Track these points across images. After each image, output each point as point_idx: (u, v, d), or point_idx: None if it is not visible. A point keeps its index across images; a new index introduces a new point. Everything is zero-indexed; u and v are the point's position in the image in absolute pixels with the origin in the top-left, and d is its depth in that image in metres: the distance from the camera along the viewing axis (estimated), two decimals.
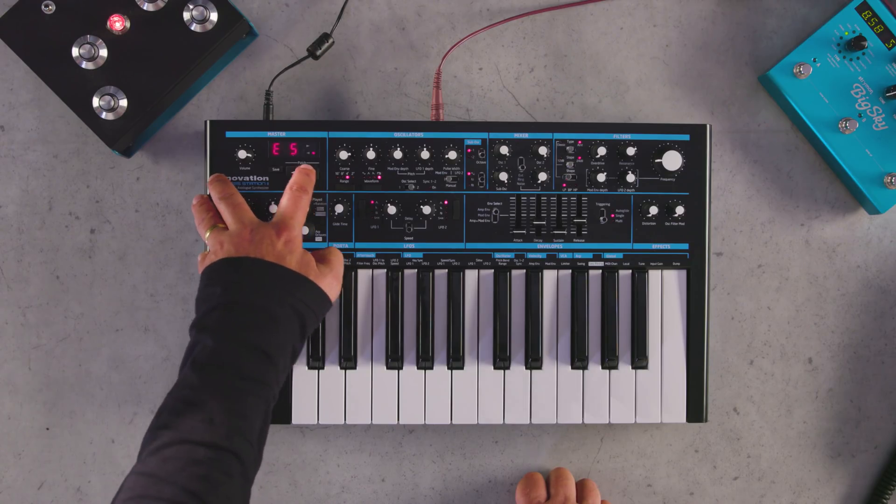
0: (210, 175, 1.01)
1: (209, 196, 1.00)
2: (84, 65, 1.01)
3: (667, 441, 1.09)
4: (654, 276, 1.04)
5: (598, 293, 1.04)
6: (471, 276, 1.03)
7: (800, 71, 1.06)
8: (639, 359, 1.03)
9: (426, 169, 1.02)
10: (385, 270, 1.03)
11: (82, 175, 1.08)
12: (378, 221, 1.02)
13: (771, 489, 1.10)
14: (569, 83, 1.09)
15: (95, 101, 1.02)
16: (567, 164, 1.03)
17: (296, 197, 0.98)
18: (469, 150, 1.03)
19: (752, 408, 1.10)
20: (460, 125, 1.03)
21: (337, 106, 1.08)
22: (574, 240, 1.03)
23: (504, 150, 1.02)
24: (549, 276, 1.04)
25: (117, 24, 1.01)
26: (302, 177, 0.99)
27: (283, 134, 1.02)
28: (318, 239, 1.02)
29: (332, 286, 0.96)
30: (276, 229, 0.95)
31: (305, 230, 1.01)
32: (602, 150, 1.02)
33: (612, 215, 1.03)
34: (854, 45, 1.05)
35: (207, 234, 0.97)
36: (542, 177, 1.02)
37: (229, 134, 1.02)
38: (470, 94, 1.09)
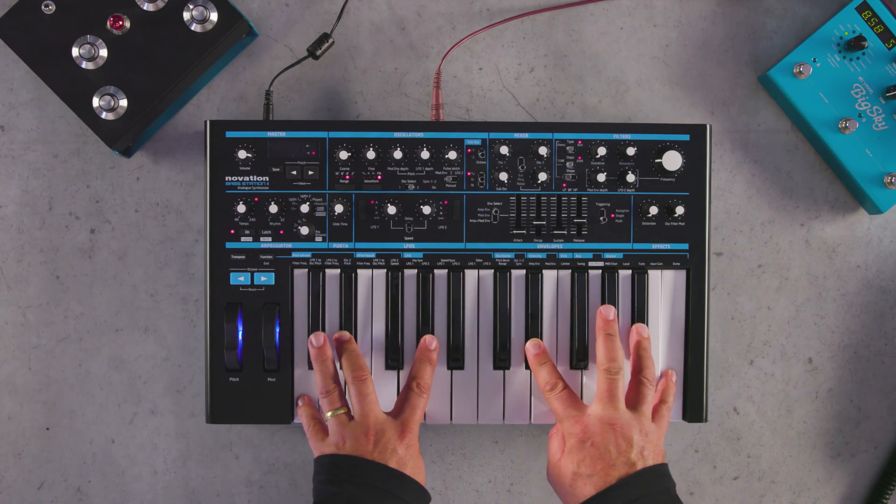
0: (210, 175, 1.01)
1: (333, 355, 1.00)
2: (84, 65, 1.01)
3: (667, 441, 1.09)
4: (654, 276, 1.04)
5: (598, 293, 1.04)
6: (471, 276, 1.03)
7: (800, 71, 1.06)
8: None
9: (426, 169, 1.02)
10: (385, 270, 1.03)
11: (82, 175, 1.08)
12: (378, 221, 1.02)
13: (771, 489, 1.10)
14: (569, 83, 1.09)
15: (95, 101, 1.02)
16: (567, 164, 1.03)
17: (417, 398, 0.98)
18: (469, 150, 1.03)
19: (752, 408, 1.10)
20: (460, 125, 1.03)
21: (337, 106, 1.08)
22: (574, 240, 1.03)
23: (504, 150, 1.02)
24: (549, 276, 1.04)
25: (117, 24, 1.01)
26: (425, 373, 0.99)
27: (283, 134, 1.02)
28: (318, 239, 1.02)
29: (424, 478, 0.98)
30: (398, 433, 0.96)
31: (305, 230, 1.01)
32: (602, 150, 1.02)
33: (612, 215, 1.03)
34: (854, 45, 1.05)
35: (330, 415, 0.97)
36: (542, 177, 1.02)
37: (229, 134, 1.02)
38: (470, 94, 1.09)
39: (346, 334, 1.00)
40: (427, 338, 1.01)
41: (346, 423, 0.96)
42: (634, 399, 0.99)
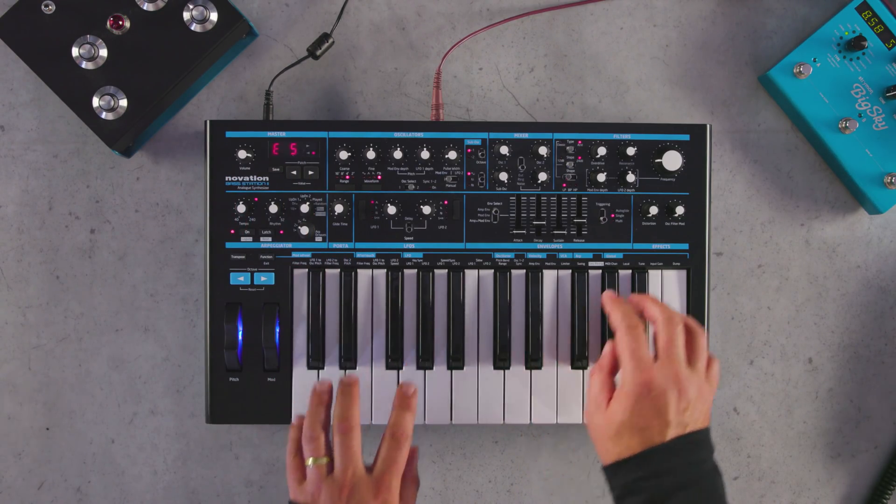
0: (210, 175, 1.01)
1: (329, 401, 0.96)
2: (84, 65, 1.01)
3: None
4: (654, 276, 1.04)
5: (599, 293, 1.04)
6: (471, 276, 1.03)
7: (800, 71, 1.06)
8: None
9: (426, 169, 1.02)
10: (385, 270, 1.03)
11: (82, 175, 1.08)
12: (378, 221, 1.02)
13: (771, 489, 1.10)
14: (569, 83, 1.09)
15: (95, 101, 1.02)
16: (567, 164, 1.03)
17: (395, 451, 0.94)
18: (469, 150, 1.03)
19: (752, 408, 1.10)
20: (460, 125, 1.03)
21: (337, 106, 1.08)
22: (574, 240, 1.03)
23: (504, 150, 1.02)
24: (549, 276, 1.04)
25: (117, 24, 1.01)
26: (404, 422, 0.95)
27: (283, 134, 1.02)
28: (318, 239, 1.02)
29: None
30: (374, 491, 0.92)
31: (305, 230, 1.01)
32: (602, 150, 1.02)
33: (612, 215, 1.03)
34: (854, 45, 1.05)
35: (311, 462, 0.93)
36: (542, 177, 1.02)
37: (229, 134, 1.02)
38: (470, 94, 1.09)
39: (354, 378, 0.95)
40: (404, 384, 0.96)
41: (324, 476, 0.93)
42: (690, 354, 0.95)
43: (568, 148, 1.03)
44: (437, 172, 1.03)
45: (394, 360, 1.02)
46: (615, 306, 0.97)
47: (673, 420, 0.91)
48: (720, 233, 1.10)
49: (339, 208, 1.02)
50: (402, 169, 1.02)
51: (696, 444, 0.92)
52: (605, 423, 0.93)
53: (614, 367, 0.96)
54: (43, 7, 1.01)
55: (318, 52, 1.05)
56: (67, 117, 1.07)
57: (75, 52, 1.01)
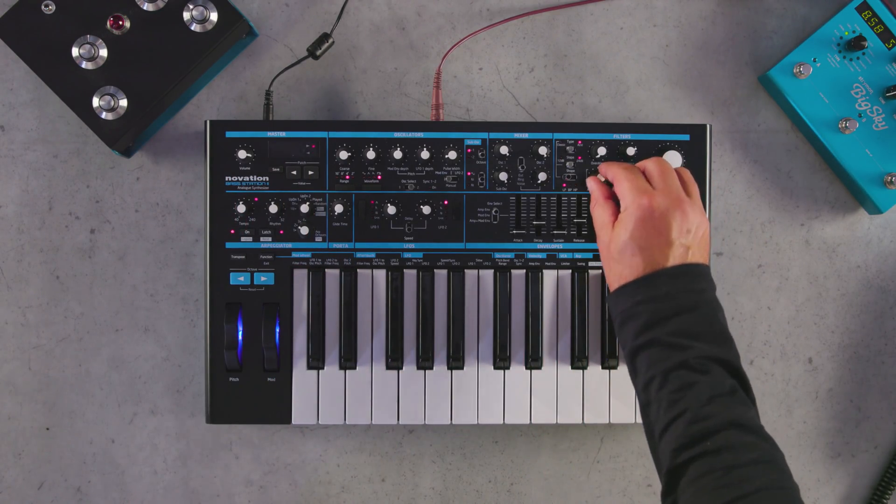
0: (210, 175, 1.01)
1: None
2: (84, 65, 1.02)
3: None
4: None
5: (599, 293, 1.04)
6: (471, 276, 1.03)
7: (800, 71, 1.06)
8: None
9: (426, 169, 1.02)
10: (385, 270, 1.03)
11: (82, 175, 1.08)
12: (378, 221, 1.02)
13: None
14: (569, 83, 1.09)
15: (95, 101, 1.02)
16: (567, 164, 1.03)
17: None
18: (469, 150, 1.03)
19: None
20: (460, 125, 1.03)
21: (337, 106, 1.08)
22: (574, 240, 1.03)
23: (504, 150, 1.02)
24: (549, 276, 1.04)
25: (117, 24, 1.01)
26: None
27: (283, 134, 1.02)
28: (318, 239, 1.02)
29: None
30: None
31: (305, 230, 1.01)
32: (602, 150, 1.02)
33: None
34: (854, 45, 1.05)
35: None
36: (542, 177, 1.02)
37: (229, 134, 1.02)
38: (470, 94, 1.09)
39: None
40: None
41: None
42: (685, 186, 0.97)
43: (568, 148, 1.03)
44: (437, 172, 1.03)
45: (394, 360, 1.02)
46: (607, 164, 1.00)
47: (675, 240, 0.92)
48: (720, 233, 1.10)
49: (339, 208, 1.02)
50: (402, 169, 1.02)
51: (697, 274, 0.93)
52: (610, 242, 0.95)
53: (610, 195, 0.99)
54: (43, 7, 1.01)
55: (318, 52, 1.05)
56: (67, 117, 1.07)
57: (75, 52, 1.01)
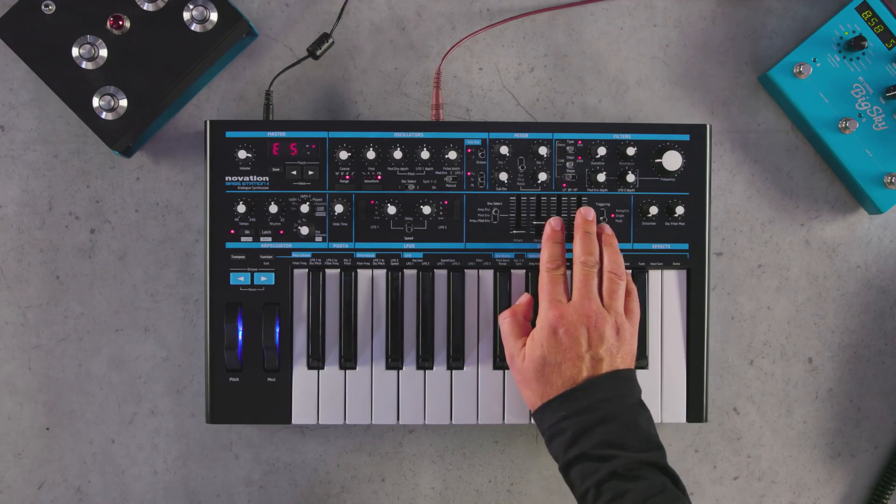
0: (210, 175, 1.01)
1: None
2: (84, 65, 1.02)
3: (667, 441, 1.09)
4: (654, 276, 1.04)
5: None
6: (471, 276, 1.03)
7: (800, 71, 1.06)
8: (639, 358, 1.03)
9: (426, 169, 1.02)
10: (385, 270, 1.03)
11: (82, 175, 1.08)
12: (378, 221, 1.02)
13: (771, 489, 1.10)
14: (569, 83, 1.09)
15: (95, 101, 1.02)
16: (567, 164, 1.03)
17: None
18: (469, 150, 1.03)
19: (752, 408, 1.10)
20: (460, 125, 1.03)
21: (337, 106, 1.08)
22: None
23: (504, 150, 1.02)
24: None
25: (117, 24, 1.01)
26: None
27: (283, 134, 1.02)
28: (318, 239, 1.02)
29: None
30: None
31: (305, 230, 1.01)
32: (602, 150, 1.02)
33: (612, 215, 1.03)
34: (854, 45, 1.05)
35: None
36: (542, 177, 1.02)
37: (229, 134, 1.02)
38: (470, 94, 1.09)
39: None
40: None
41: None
42: (605, 295, 0.99)
43: (568, 148, 1.03)
44: (437, 172, 1.03)
45: (394, 360, 1.02)
46: (546, 242, 1.01)
47: (585, 355, 0.95)
48: (720, 233, 1.10)
49: (339, 208, 1.02)
50: (402, 169, 1.02)
51: (616, 381, 0.95)
52: (525, 362, 0.97)
53: (527, 314, 1.01)
54: (43, 7, 1.01)
55: (318, 52, 1.05)
56: (67, 117, 1.07)
57: (75, 52, 1.01)
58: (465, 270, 1.03)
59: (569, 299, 0.98)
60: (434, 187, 1.03)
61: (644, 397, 1.00)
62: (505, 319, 1.00)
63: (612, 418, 0.93)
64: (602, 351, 0.95)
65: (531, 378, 0.96)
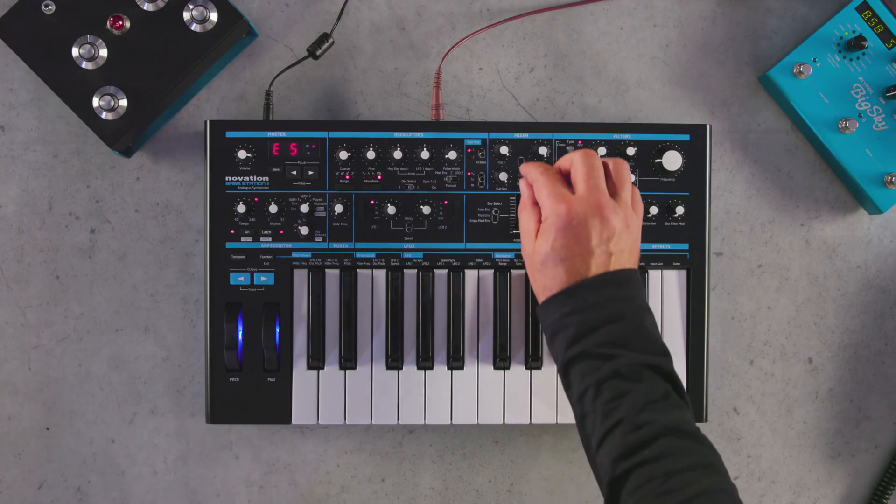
0: (210, 175, 1.01)
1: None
2: (84, 65, 1.02)
3: None
4: (654, 276, 1.04)
5: None
6: (471, 276, 1.03)
7: (800, 71, 1.06)
8: None
9: (426, 169, 1.02)
10: (385, 270, 1.03)
11: (82, 175, 1.08)
12: (378, 221, 1.02)
13: (771, 489, 1.10)
14: (569, 83, 1.09)
15: (95, 101, 1.02)
16: None
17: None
18: (469, 150, 1.03)
19: (752, 408, 1.10)
20: (460, 125, 1.03)
21: (337, 106, 1.08)
22: None
23: (504, 150, 1.02)
24: None
25: (117, 24, 1.01)
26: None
27: (283, 134, 1.02)
28: (318, 239, 1.02)
29: None
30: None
31: (305, 230, 1.01)
32: (602, 150, 1.02)
33: None
34: (854, 45, 1.05)
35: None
36: None
37: (229, 134, 1.02)
38: (470, 94, 1.09)
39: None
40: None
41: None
42: (614, 183, 0.94)
43: (568, 148, 1.03)
44: (437, 172, 1.03)
45: (394, 360, 1.02)
46: (527, 166, 0.96)
47: (595, 249, 0.90)
48: (720, 233, 1.10)
49: (339, 208, 1.02)
50: (402, 169, 1.02)
51: (623, 281, 0.91)
52: (533, 253, 0.93)
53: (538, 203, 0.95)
54: (43, 7, 1.01)
55: (318, 52, 1.05)
56: (67, 117, 1.07)
57: (75, 52, 1.01)
58: (465, 270, 1.03)
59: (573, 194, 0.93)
60: (434, 187, 1.03)
61: None
62: (522, 213, 0.96)
63: (619, 318, 0.89)
64: (612, 245, 0.90)
65: (537, 267, 0.92)
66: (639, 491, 0.84)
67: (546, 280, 0.92)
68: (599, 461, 0.88)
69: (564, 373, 0.91)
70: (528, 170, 0.96)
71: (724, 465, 0.88)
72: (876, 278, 1.11)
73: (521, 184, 0.97)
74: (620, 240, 0.91)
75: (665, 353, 0.91)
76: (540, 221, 0.94)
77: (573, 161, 0.94)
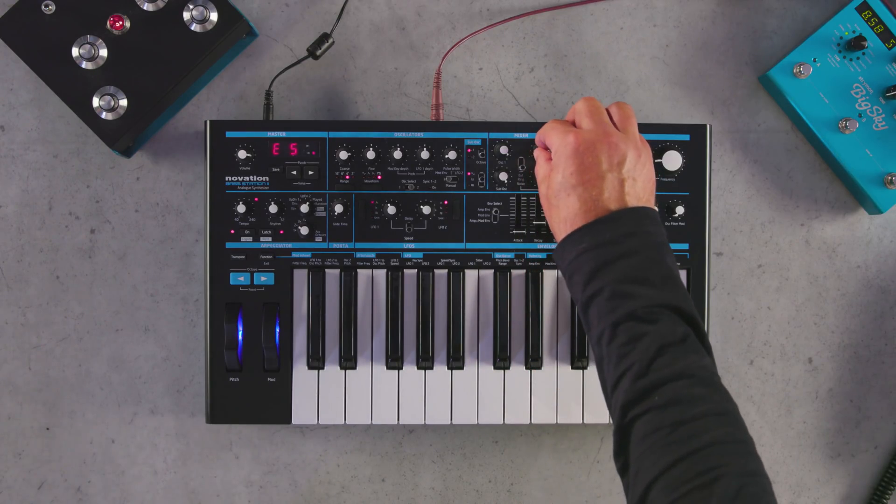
0: (210, 175, 1.01)
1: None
2: (84, 65, 1.02)
3: None
4: None
5: None
6: (471, 276, 1.03)
7: (800, 71, 1.06)
8: None
9: (426, 169, 1.02)
10: (385, 270, 1.03)
11: (82, 175, 1.08)
12: (378, 221, 1.02)
13: None
14: (569, 83, 1.09)
15: (95, 101, 1.02)
16: None
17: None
18: (469, 150, 1.03)
19: (752, 408, 1.10)
20: (460, 125, 1.03)
21: (337, 106, 1.08)
22: None
23: (504, 150, 1.02)
24: (549, 276, 1.04)
25: (117, 24, 1.01)
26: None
27: (283, 134, 1.02)
28: (318, 239, 1.02)
29: None
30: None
31: (305, 230, 1.01)
32: None
33: None
34: (854, 45, 1.05)
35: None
36: None
37: (229, 134, 1.02)
38: (470, 94, 1.09)
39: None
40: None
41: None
42: (620, 120, 0.93)
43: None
44: (437, 172, 1.03)
45: (394, 360, 1.02)
46: (540, 130, 0.97)
47: (607, 173, 0.88)
48: (720, 233, 1.10)
49: (339, 208, 1.02)
50: (402, 169, 1.02)
51: (642, 216, 0.88)
52: (548, 192, 0.92)
53: (550, 156, 0.95)
54: (43, 7, 1.01)
55: (318, 52, 1.05)
56: (67, 117, 1.07)
57: (75, 52, 1.01)
58: (465, 270, 1.03)
59: None
60: (434, 187, 1.03)
61: None
62: (539, 157, 0.96)
63: (635, 253, 0.86)
64: (624, 171, 0.88)
65: (552, 203, 0.91)
66: (646, 440, 0.81)
67: (561, 212, 0.90)
68: (612, 406, 0.85)
69: (584, 313, 0.88)
70: (540, 131, 0.96)
71: (742, 416, 0.83)
72: (876, 278, 1.11)
73: (536, 152, 0.98)
74: (633, 168, 0.90)
75: (685, 295, 0.87)
76: (545, 161, 0.94)
77: (575, 107, 0.94)
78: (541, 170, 0.96)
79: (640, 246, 0.87)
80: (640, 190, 0.90)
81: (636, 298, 0.85)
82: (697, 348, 0.84)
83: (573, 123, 0.95)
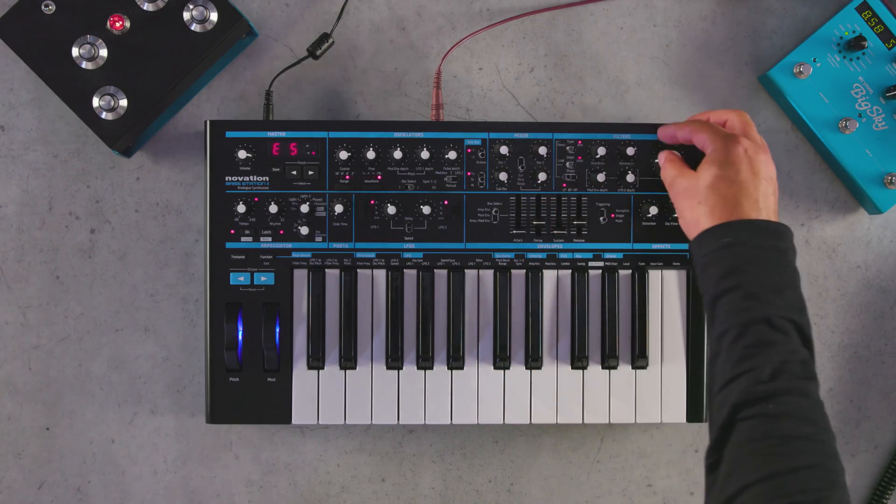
0: (210, 175, 1.01)
1: None
2: (84, 65, 1.02)
3: (667, 441, 1.09)
4: (654, 276, 1.04)
5: (599, 293, 1.04)
6: (471, 276, 1.03)
7: (800, 71, 1.06)
8: (639, 359, 1.03)
9: (426, 169, 1.02)
10: (385, 270, 1.03)
11: (82, 175, 1.08)
12: (378, 221, 1.02)
13: None
14: (569, 83, 1.09)
15: (95, 101, 1.02)
16: (567, 164, 1.03)
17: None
18: (469, 150, 1.03)
19: None
20: (460, 125, 1.03)
21: (337, 106, 1.08)
22: (574, 240, 1.03)
23: (504, 150, 1.02)
24: (549, 276, 1.04)
25: (117, 24, 1.01)
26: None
27: (283, 134, 1.02)
28: (318, 239, 1.02)
29: None
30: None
31: (305, 230, 1.01)
32: (602, 150, 1.02)
33: (612, 215, 1.03)
34: (854, 45, 1.05)
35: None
36: (542, 177, 1.02)
37: (229, 134, 1.02)
38: (470, 94, 1.09)
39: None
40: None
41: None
42: (741, 127, 0.97)
43: (568, 148, 1.03)
44: (437, 172, 1.03)
45: (394, 360, 1.02)
46: (676, 125, 1.00)
47: (763, 180, 0.93)
48: None
49: (339, 208, 1.02)
50: (402, 169, 1.02)
51: (785, 233, 0.91)
52: (697, 180, 0.94)
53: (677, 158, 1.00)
54: (43, 7, 1.01)
55: (318, 52, 1.05)
56: (67, 117, 1.07)
57: (75, 52, 1.01)
58: (465, 270, 1.03)
59: None
60: (434, 187, 1.03)
61: (644, 397, 1.00)
62: (668, 158, 1.00)
63: (776, 265, 0.88)
64: (774, 186, 0.94)
65: (701, 197, 0.93)
66: (749, 445, 0.81)
67: (709, 207, 0.92)
68: (717, 403, 0.85)
69: (712, 307, 0.89)
70: (679, 127, 1.00)
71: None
72: (876, 278, 1.11)
73: (661, 153, 1.01)
74: (776, 186, 0.94)
75: (811, 325, 0.88)
76: (682, 163, 0.98)
77: (729, 117, 0.98)
78: (674, 168, 0.98)
79: (781, 262, 0.90)
80: (773, 207, 0.94)
81: (772, 305, 0.86)
82: (813, 374, 0.86)
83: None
